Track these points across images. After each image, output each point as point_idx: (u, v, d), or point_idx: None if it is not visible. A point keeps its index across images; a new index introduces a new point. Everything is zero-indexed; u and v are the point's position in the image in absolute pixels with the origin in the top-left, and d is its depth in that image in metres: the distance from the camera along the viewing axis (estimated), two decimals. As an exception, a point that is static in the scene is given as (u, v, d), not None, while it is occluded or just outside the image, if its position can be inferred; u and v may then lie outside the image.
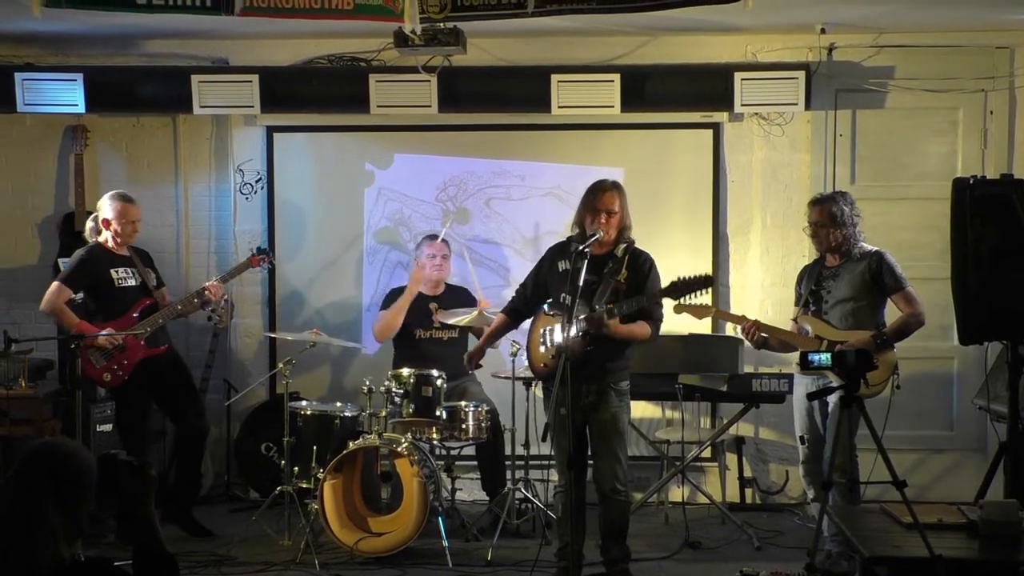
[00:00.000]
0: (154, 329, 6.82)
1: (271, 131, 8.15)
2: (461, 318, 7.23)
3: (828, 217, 6.21)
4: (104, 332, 6.68)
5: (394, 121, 8.00)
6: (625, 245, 5.94)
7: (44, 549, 3.16)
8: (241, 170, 8.16)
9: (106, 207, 6.87)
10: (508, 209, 8.11)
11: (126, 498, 3.35)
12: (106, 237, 6.88)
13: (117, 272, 6.85)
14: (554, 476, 7.60)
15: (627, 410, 5.97)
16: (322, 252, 8.16)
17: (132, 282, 6.89)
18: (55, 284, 6.81)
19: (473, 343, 7.47)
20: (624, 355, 5.92)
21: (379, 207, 8.16)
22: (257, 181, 8.17)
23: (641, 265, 5.94)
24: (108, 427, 7.30)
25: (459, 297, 7.55)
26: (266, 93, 7.71)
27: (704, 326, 7.30)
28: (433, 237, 7.54)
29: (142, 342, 6.79)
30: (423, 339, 7.45)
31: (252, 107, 7.77)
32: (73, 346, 6.60)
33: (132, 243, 6.99)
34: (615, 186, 5.97)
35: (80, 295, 6.93)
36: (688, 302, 6.41)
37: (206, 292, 6.94)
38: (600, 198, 5.91)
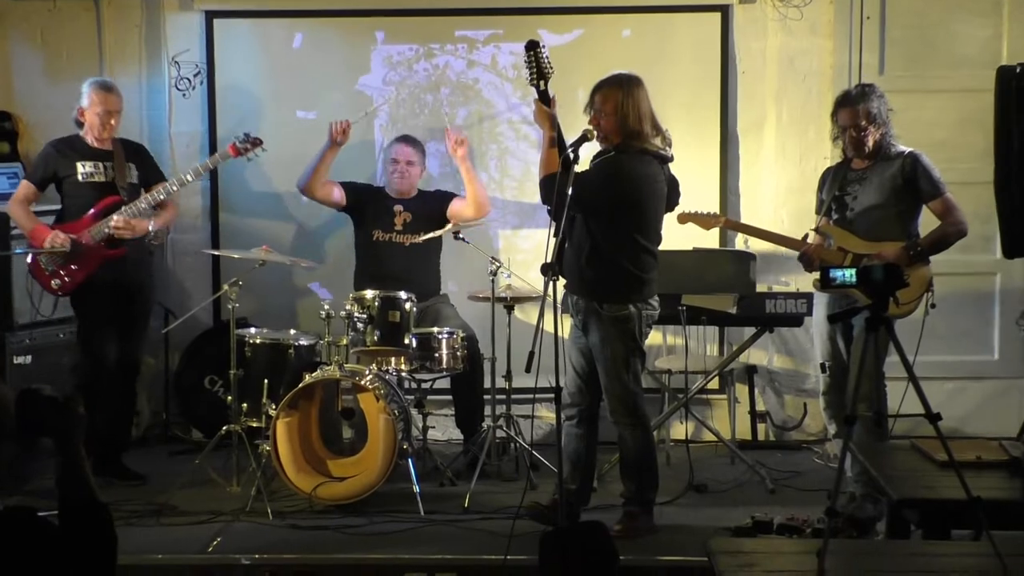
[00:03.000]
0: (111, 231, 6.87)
1: (211, 16, 8.03)
2: (432, 234, 7.21)
3: (867, 118, 6.14)
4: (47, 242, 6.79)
5: (353, 5, 7.91)
6: (610, 151, 5.94)
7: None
8: (177, 62, 8.06)
9: (82, 95, 6.96)
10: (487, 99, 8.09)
11: (52, 439, 3.35)
12: (86, 129, 6.97)
13: (84, 166, 6.92)
14: (540, 412, 7.69)
15: (624, 338, 5.91)
16: (273, 157, 8.08)
17: (100, 178, 6.94)
18: (23, 181, 7.10)
19: (444, 258, 7.50)
20: (609, 272, 5.90)
21: (341, 103, 8.07)
22: (195, 75, 8.08)
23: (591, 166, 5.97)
24: (27, 359, 7.28)
25: (432, 205, 7.51)
26: (204, -29, 7.64)
27: (711, 238, 7.31)
28: (401, 140, 7.51)
29: (101, 243, 6.84)
30: (381, 242, 7.43)
31: (188, -13, 7.69)
32: None
33: (116, 135, 7.05)
34: (614, 81, 5.95)
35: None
36: (693, 211, 6.52)
37: (174, 184, 6.99)
38: (593, 95, 5.93)
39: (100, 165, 6.94)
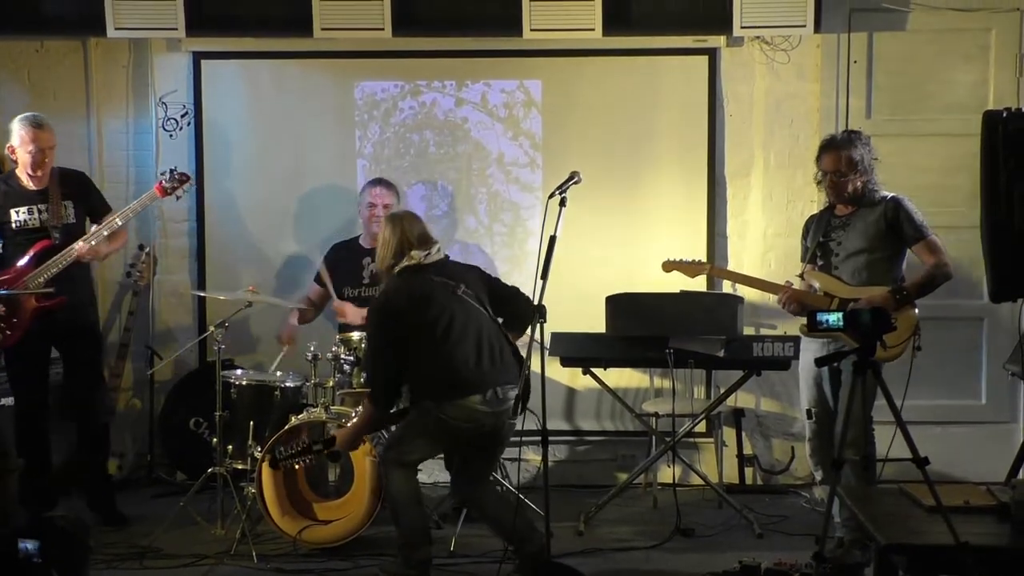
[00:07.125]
0: (47, 278, 6.75)
1: (198, 57, 8.06)
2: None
3: (848, 164, 6.18)
4: None
5: (342, 47, 7.95)
6: None
7: None
8: (164, 103, 8.08)
9: (13, 132, 6.85)
10: (465, 150, 8.11)
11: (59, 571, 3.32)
12: (20, 167, 6.87)
13: (18, 213, 6.82)
14: (527, 455, 7.68)
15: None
16: (259, 198, 8.10)
17: (34, 224, 6.84)
18: None
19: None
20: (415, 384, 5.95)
21: (326, 146, 8.11)
22: (183, 116, 8.10)
23: None
24: (8, 401, 7.22)
25: None
26: (192, 13, 7.67)
27: (698, 281, 7.32)
28: (376, 182, 7.48)
29: (37, 294, 6.72)
30: (351, 298, 7.39)
31: (176, 29, 7.71)
32: None
33: (49, 169, 6.90)
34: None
35: None
36: (678, 259, 6.56)
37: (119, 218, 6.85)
38: None
39: (34, 210, 6.84)
